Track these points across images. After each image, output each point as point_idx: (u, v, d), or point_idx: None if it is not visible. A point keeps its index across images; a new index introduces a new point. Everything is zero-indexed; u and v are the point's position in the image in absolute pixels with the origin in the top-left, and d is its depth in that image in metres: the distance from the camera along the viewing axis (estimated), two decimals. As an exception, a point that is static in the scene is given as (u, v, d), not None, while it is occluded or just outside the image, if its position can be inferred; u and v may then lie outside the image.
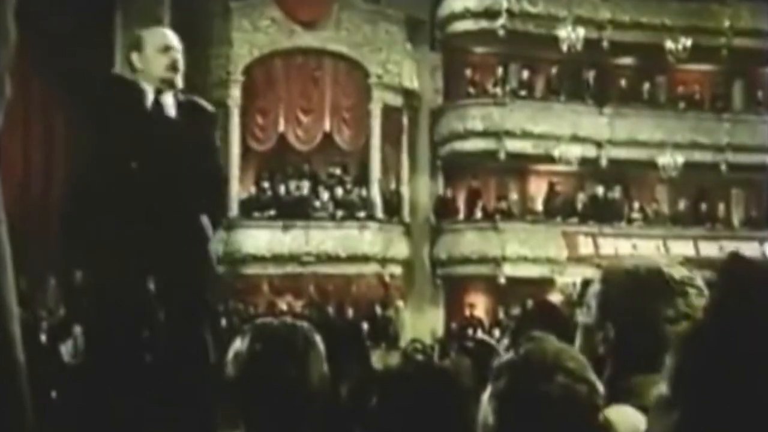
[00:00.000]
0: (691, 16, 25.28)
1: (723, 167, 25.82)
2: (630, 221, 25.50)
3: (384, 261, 23.49)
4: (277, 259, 22.97)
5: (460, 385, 3.17)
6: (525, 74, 25.58)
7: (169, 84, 5.34)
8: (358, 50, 23.88)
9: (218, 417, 4.94)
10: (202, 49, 23.27)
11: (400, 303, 23.60)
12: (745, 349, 1.59)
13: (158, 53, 5.34)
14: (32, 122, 19.61)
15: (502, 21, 24.30)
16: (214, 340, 5.18)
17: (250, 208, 23.32)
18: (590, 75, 25.76)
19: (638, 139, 25.21)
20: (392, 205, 24.07)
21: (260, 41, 23.61)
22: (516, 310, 21.12)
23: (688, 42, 24.38)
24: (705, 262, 20.29)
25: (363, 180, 23.98)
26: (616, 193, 25.63)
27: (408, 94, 24.43)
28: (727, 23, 25.53)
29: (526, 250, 24.21)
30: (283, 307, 22.25)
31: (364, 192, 23.72)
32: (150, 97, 5.28)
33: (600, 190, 25.52)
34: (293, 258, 22.95)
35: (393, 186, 24.48)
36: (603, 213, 25.02)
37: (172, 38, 5.48)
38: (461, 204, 25.19)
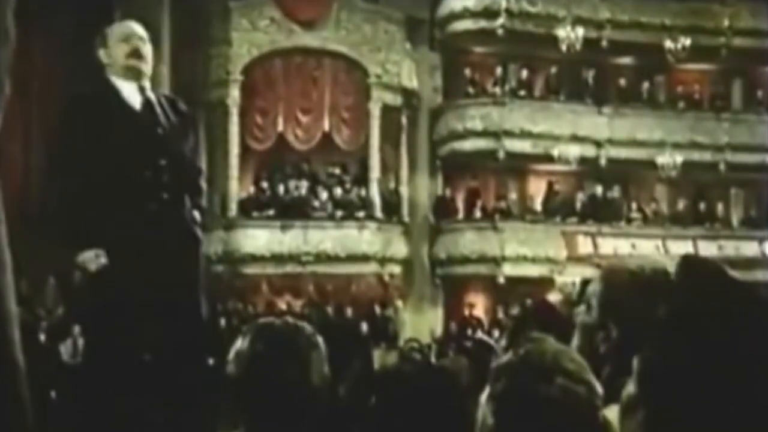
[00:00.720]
0: (691, 15, 25.28)
1: (722, 167, 25.81)
2: (629, 221, 25.51)
3: (383, 260, 23.49)
4: (276, 258, 22.96)
5: (458, 385, 3.17)
6: (524, 74, 25.58)
7: (134, 72, 5.32)
8: (357, 50, 23.87)
9: (217, 416, 4.94)
10: (202, 49, 23.32)
11: (399, 303, 23.60)
12: (703, 347, 1.62)
13: (120, 42, 5.33)
14: (32, 122, 19.62)
15: (501, 21, 24.30)
16: (212, 339, 5.19)
17: (249, 207, 23.32)
18: (589, 75, 25.77)
19: (637, 138, 25.20)
20: (391, 205, 24.07)
21: (259, 41, 23.61)
22: (515, 310, 21.11)
23: (688, 41, 24.38)
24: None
25: (362, 180, 23.98)
26: (616, 192, 25.64)
27: (407, 93, 24.43)
28: (726, 23, 25.53)
29: (526, 249, 24.21)
30: (283, 306, 22.25)
31: (363, 192, 23.72)
32: (128, 96, 5.27)
33: (599, 190, 25.53)
34: (292, 258, 22.95)
35: (392, 186, 24.47)
36: (602, 212, 25.03)
37: (135, 28, 5.46)
38: (460, 203, 25.19)
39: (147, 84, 5.36)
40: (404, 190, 24.59)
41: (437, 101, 25.23)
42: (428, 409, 2.93)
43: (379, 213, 23.70)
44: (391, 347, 21.17)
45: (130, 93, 5.29)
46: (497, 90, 24.99)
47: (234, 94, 23.37)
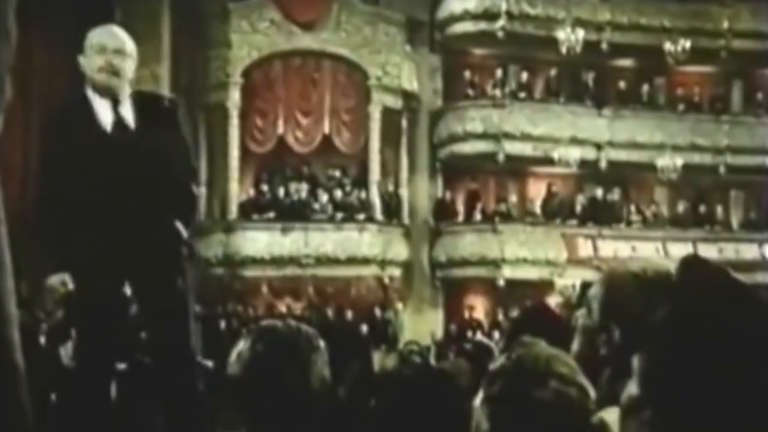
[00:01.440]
0: (690, 17, 25.29)
1: (722, 169, 25.82)
2: (629, 223, 25.52)
3: (383, 263, 23.49)
4: (277, 261, 22.96)
5: (458, 387, 3.17)
6: (524, 76, 25.59)
7: (104, 89, 5.00)
8: (357, 52, 23.87)
9: (214, 418, 4.94)
10: (201, 51, 23.32)
11: (399, 305, 23.59)
12: (705, 348, 1.63)
13: (94, 54, 5.00)
14: (32, 123, 19.59)
15: (501, 23, 24.31)
16: (210, 341, 5.19)
17: (249, 210, 23.32)
18: (589, 77, 25.76)
19: (637, 141, 25.20)
20: (391, 207, 24.06)
21: (259, 43, 23.60)
22: (515, 313, 21.11)
23: (687, 44, 24.37)
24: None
25: (362, 182, 23.98)
26: (616, 195, 25.65)
27: (407, 96, 24.42)
28: (726, 25, 25.54)
29: (526, 252, 24.21)
30: (283, 309, 22.26)
31: (363, 194, 23.72)
32: (100, 114, 5.02)
33: (599, 192, 25.53)
34: (292, 260, 22.95)
35: (392, 188, 24.46)
36: (602, 215, 25.03)
37: (114, 39, 5.08)
38: (460, 206, 25.19)
39: (122, 98, 5.05)
40: (404, 193, 24.59)
41: (437, 103, 25.23)
42: (428, 412, 2.93)
43: (379, 215, 23.70)
44: (391, 350, 21.18)
45: (103, 110, 5.02)
46: (497, 92, 25.00)
47: (234, 96, 23.37)
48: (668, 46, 24.49)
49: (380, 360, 18.22)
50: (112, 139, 5.01)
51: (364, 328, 20.63)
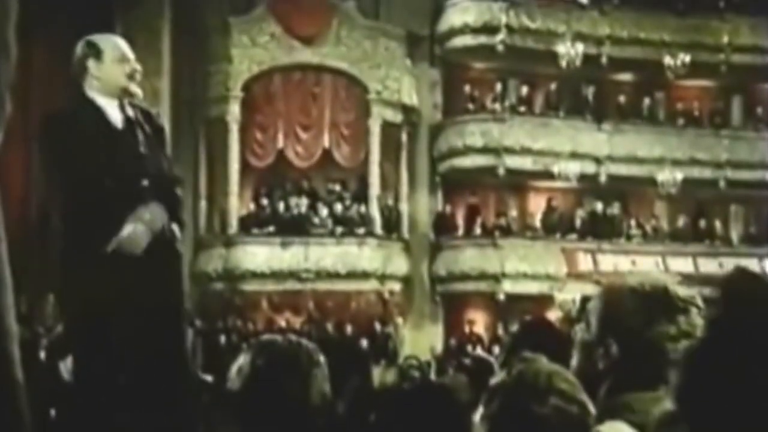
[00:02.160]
0: (690, 32, 25.33)
1: (722, 183, 25.83)
2: (629, 238, 25.51)
3: (383, 277, 23.47)
4: (276, 275, 22.94)
5: (457, 403, 3.17)
6: (524, 90, 25.62)
7: (130, 94, 5.32)
8: (357, 66, 23.89)
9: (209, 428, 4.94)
10: (201, 65, 23.35)
11: (399, 319, 23.57)
12: (749, 364, 1.60)
13: (117, 63, 5.29)
14: (32, 138, 19.62)
15: (501, 36, 24.34)
16: (210, 356, 5.21)
17: (249, 224, 23.32)
18: (589, 91, 25.78)
19: (637, 155, 25.22)
20: (391, 222, 24.06)
21: (259, 57, 23.63)
22: (515, 327, 21.07)
23: (687, 58, 24.42)
24: (704, 278, 20.25)
25: (362, 196, 23.97)
26: (615, 209, 25.64)
27: (407, 110, 24.44)
28: (726, 39, 25.58)
29: (526, 266, 24.20)
30: (282, 323, 22.24)
31: (363, 208, 23.71)
32: (110, 114, 5.25)
33: (599, 207, 25.54)
34: (292, 274, 22.93)
35: (392, 202, 24.45)
36: (602, 229, 25.03)
37: (128, 48, 5.43)
38: (460, 220, 25.18)
39: (125, 100, 5.34)
40: (404, 207, 24.59)
41: (437, 117, 25.25)
42: (427, 427, 2.93)
43: (379, 230, 23.70)
44: (390, 364, 21.13)
45: (112, 110, 5.27)
46: (497, 106, 25.03)
47: (234, 110, 23.39)
48: (668, 60, 24.54)
49: (380, 375, 18.19)
50: (124, 136, 5.26)
51: (364, 342, 20.61)
